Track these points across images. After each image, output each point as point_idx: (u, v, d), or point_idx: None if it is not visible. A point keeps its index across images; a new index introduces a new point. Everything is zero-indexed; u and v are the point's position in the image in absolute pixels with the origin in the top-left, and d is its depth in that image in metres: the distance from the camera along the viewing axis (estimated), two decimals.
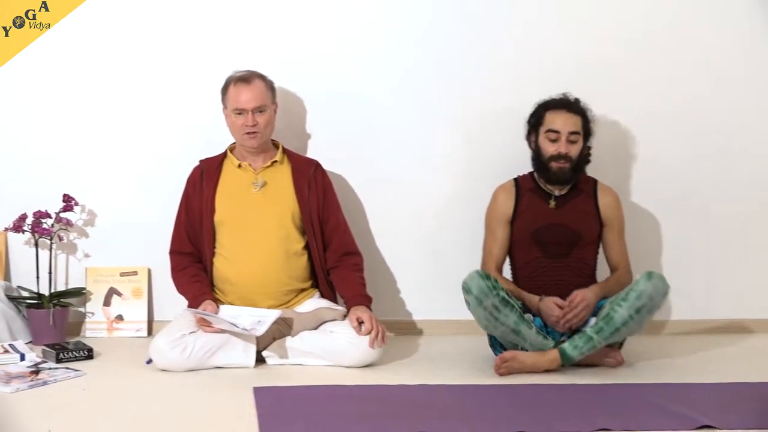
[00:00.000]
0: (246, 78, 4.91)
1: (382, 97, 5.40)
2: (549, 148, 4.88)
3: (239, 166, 4.99)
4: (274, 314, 4.76)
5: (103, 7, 5.27)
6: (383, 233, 5.47)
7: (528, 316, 4.74)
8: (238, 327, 4.70)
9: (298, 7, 5.31)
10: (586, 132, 4.93)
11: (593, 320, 4.73)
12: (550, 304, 4.73)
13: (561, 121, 4.87)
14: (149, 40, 5.29)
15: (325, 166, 5.16)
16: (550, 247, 4.92)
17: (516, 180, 5.04)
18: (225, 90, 4.96)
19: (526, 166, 5.08)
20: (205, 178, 5.00)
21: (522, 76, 5.41)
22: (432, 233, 5.48)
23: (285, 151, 5.07)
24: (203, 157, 5.08)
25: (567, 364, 4.66)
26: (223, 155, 5.05)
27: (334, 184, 5.19)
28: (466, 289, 4.64)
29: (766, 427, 3.98)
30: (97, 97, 5.31)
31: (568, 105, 4.91)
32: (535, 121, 4.95)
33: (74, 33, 5.27)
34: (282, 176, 5.01)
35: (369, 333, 4.77)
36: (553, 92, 5.02)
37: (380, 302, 5.31)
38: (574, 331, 4.75)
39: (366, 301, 4.92)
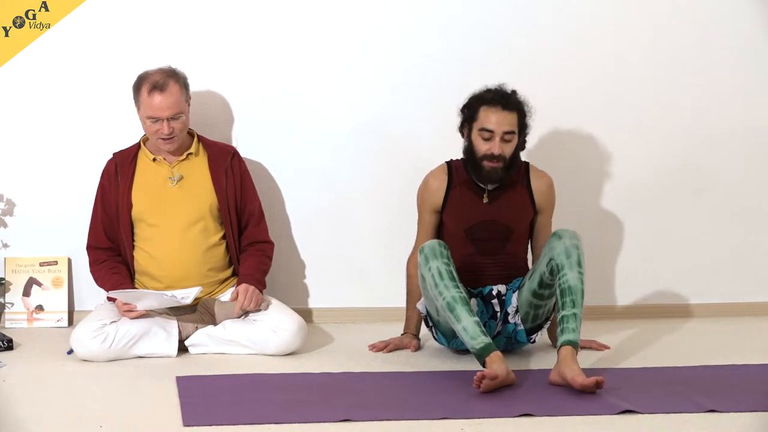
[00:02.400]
0: (160, 85, 4.78)
1: (306, 86, 5.37)
2: (482, 147, 4.60)
3: (154, 159, 4.94)
4: (196, 289, 4.76)
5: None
6: (299, 221, 5.44)
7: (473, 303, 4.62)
8: (166, 294, 4.68)
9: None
10: (522, 127, 4.68)
11: (517, 318, 4.67)
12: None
13: (495, 120, 4.58)
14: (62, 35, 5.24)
15: (245, 154, 5.13)
16: (483, 243, 4.73)
17: (449, 166, 4.81)
18: (137, 91, 4.83)
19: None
20: (120, 172, 4.93)
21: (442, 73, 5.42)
22: (348, 222, 5.46)
23: (200, 140, 5.02)
24: (118, 148, 5.02)
25: (576, 348, 4.35)
26: (137, 147, 4.98)
27: (255, 172, 5.16)
28: (420, 249, 4.48)
29: (685, 411, 4.01)
30: (17, 89, 5.26)
31: (504, 102, 4.60)
32: (469, 114, 4.67)
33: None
34: (198, 168, 4.97)
35: (243, 304, 4.79)
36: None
37: (294, 290, 5.39)
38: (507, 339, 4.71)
39: (252, 281, 4.87)
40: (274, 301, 4.92)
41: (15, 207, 5.23)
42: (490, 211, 4.72)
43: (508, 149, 4.60)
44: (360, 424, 3.88)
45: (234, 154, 5.03)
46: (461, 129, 4.73)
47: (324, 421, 3.90)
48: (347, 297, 5.45)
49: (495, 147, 4.57)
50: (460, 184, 4.76)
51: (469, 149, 4.68)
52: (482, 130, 4.59)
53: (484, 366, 4.28)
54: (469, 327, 4.33)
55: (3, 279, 5.18)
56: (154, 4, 5.26)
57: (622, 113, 5.52)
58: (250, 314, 4.83)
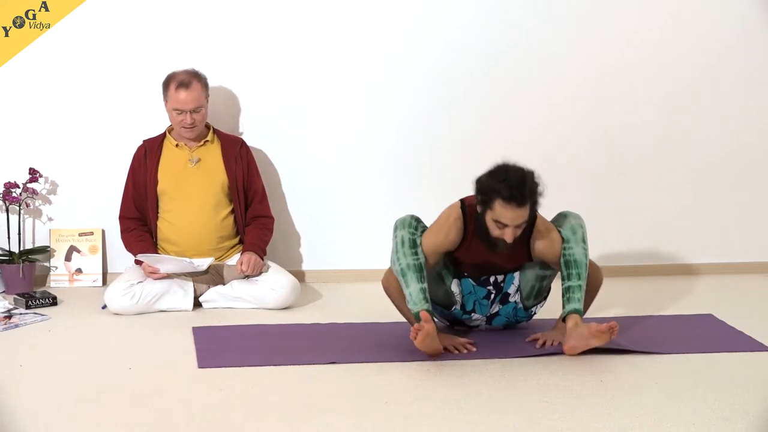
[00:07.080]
0: (185, 83, 4.85)
1: (302, 86, 5.36)
2: (495, 231, 4.09)
3: (177, 145, 5.00)
4: (210, 259, 4.84)
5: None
6: (294, 199, 5.43)
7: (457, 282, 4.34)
8: (185, 260, 4.74)
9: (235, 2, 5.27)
10: (533, 206, 4.10)
11: (516, 280, 4.33)
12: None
13: (510, 217, 4.02)
14: (99, 32, 5.17)
15: (250, 143, 5.16)
16: (481, 275, 4.37)
17: (464, 213, 4.22)
18: (166, 87, 4.90)
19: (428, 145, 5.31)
20: (148, 156, 4.99)
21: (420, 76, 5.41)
22: (334, 200, 5.44)
23: (215, 131, 5.07)
24: (146, 137, 5.06)
25: (582, 317, 4.15)
26: (163, 136, 5.04)
27: (258, 157, 5.18)
28: (396, 221, 4.24)
29: (608, 351, 4.07)
30: (61, 86, 5.20)
31: (520, 199, 3.99)
32: (484, 200, 4.07)
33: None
34: (213, 153, 5.02)
35: (245, 270, 4.83)
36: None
37: (289, 255, 5.37)
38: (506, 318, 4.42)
39: (254, 250, 4.91)
40: (273, 265, 4.98)
41: (58, 187, 5.27)
42: (492, 256, 4.25)
43: (519, 232, 4.10)
44: (344, 365, 3.97)
45: (242, 144, 5.08)
46: (473, 198, 4.16)
47: (314, 364, 3.98)
48: (333, 261, 5.44)
49: (508, 236, 4.07)
50: (471, 234, 4.24)
51: (483, 220, 4.13)
52: (497, 221, 4.06)
53: None
54: (414, 293, 4.08)
55: (48, 247, 5.23)
56: (153, 4, 5.14)
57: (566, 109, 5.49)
58: (252, 276, 4.90)
